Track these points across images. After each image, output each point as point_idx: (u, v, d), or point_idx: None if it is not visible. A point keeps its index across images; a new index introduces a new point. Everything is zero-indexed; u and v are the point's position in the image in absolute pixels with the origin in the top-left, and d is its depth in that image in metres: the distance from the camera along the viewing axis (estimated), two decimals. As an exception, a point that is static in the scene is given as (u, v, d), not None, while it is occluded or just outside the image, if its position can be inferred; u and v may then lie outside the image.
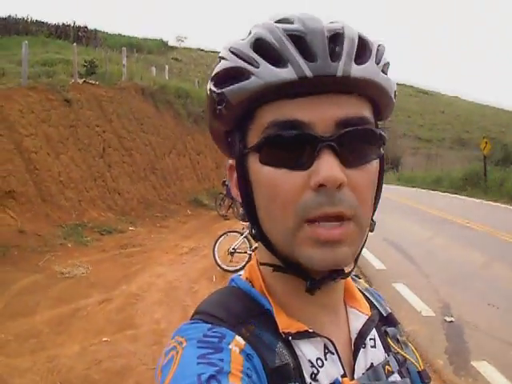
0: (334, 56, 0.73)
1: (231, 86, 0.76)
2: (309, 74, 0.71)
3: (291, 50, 0.73)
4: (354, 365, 0.84)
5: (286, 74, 0.72)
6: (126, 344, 5.82)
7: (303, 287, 0.80)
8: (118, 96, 17.22)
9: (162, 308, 7.24)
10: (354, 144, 0.75)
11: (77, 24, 36.83)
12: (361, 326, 0.88)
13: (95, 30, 39.70)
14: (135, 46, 41.55)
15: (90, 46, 31.19)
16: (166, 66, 27.82)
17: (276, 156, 0.75)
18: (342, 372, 0.81)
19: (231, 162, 0.86)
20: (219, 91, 0.78)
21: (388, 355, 0.90)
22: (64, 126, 14.07)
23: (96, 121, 15.52)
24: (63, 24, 36.49)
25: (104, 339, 6.00)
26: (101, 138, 15.48)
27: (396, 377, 0.88)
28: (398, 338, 0.95)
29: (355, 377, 0.83)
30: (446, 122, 71.25)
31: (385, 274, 8.82)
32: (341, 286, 0.88)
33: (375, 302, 0.98)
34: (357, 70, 0.73)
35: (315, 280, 0.79)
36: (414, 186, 32.41)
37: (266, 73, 0.73)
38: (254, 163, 0.78)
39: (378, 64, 0.78)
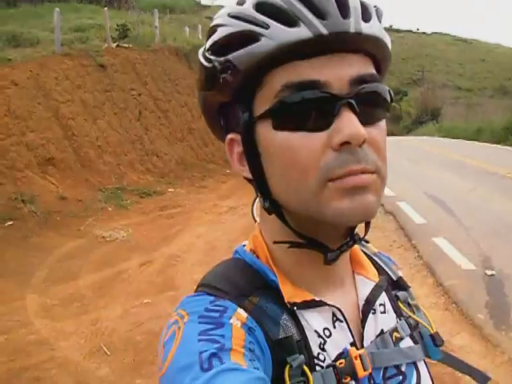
0: (344, 13, 0.71)
1: (238, 51, 0.73)
2: (324, 31, 0.70)
3: (301, 8, 0.71)
4: (363, 332, 0.83)
5: (301, 32, 0.70)
6: (166, 305, 5.90)
7: (318, 259, 0.80)
8: (152, 58, 17.18)
9: (201, 268, 7.29)
10: (369, 101, 0.74)
11: (108, -13, 36.78)
12: (368, 293, 0.87)
13: (127, -7, 39.55)
14: (168, 6, 41.18)
15: (122, 9, 31.09)
16: (199, 26, 27.57)
17: (292, 119, 0.73)
18: (351, 340, 0.81)
19: (231, 136, 0.82)
20: (223, 59, 0.75)
21: (400, 319, 0.90)
22: (99, 91, 14.16)
23: (131, 84, 15.55)
24: (95, -12, 36.47)
25: (145, 301, 6.10)
26: (136, 101, 15.53)
27: (407, 342, 0.88)
28: (410, 301, 0.95)
29: (365, 344, 0.83)
30: (487, 71, 69.26)
31: (425, 229, 8.66)
32: (346, 254, 0.87)
33: (384, 267, 0.98)
34: (366, 27, 0.73)
35: (333, 250, 0.79)
36: (454, 137, 31.76)
37: (278, 33, 0.71)
38: (266, 131, 0.75)
39: (380, 21, 0.77)
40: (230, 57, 0.74)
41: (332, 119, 0.71)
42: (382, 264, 0.98)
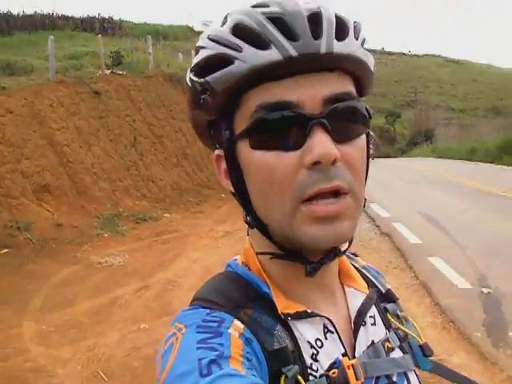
0: (316, 34, 0.73)
1: (215, 74, 0.76)
2: (293, 53, 0.71)
3: (273, 31, 0.73)
4: (355, 343, 0.85)
5: (271, 55, 0.72)
6: (163, 330, 5.83)
7: (301, 271, 0.81)
8: (146, 84, 17.28)
9: (198, 293, 7.28)
10: (343, 119, 0.75)
11: (102, 16, 37.17)
12: (359, 305, 0.88)
13: (120, 21, 39.92)
14: (161, 33, 41.57)
15: (116, 36, 31.33)
16: (193, 52, 27.65)
17: (266, 139, 0.75)
18: (342, 350, 0.82)
19: (217, 152, 0.85)
20: (202, 80, 0.78)
21: (389, 331, 0.91)
22: (94, 118, 14.21)
23: (125, 110, 15.61)
24: (88, 16, 36.86)
25: (142, 326, 6.07)
26: (131, 127, 15.58)
27: (397, 352, 0.89)
28: (398, 313, 0.96)
29: (356, 355, 0.83)
30: (479, 91, 69.69)
31: (420, 248, 8.68)
32: (335, 265, 0.88)
33: (373, 279, 0.99)
34: (339, 46, 0.74)
35: (314, 263, 0.80)
36: (448, 158, 31.88)
37: (250, 56, 0.73)
38: (244, 149, 0.78)
39: (356, 39, 0.78)
40: (208, 78, 0.77)
41: (304, 139, 0.73)
42: (370, 277, 0.99)
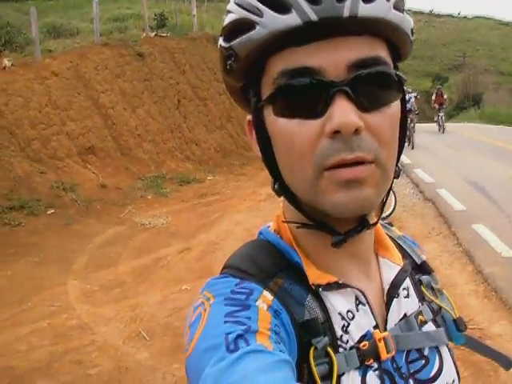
0: None
1: (238, 39, 0.74)
2: (313, 17, 0.67)
3: None
4: (387, 316, 0.83)
5: (290, 20, 0.68)
6: (205, 291, 5.92)
7: (330, 241, 0.79)
8: (190, 46, 17.23)
9: (240, 255, 7.31)
10: (370, 86, 0.71)
11: (146, -23, 36.99)
12: (393, 277, 0.86)
13: (165, -18, 39.72)
14: (206, -6, 41.30)
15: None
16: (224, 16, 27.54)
17: (289, 106, 0.72)
18: (373, 323, 0.81)
19: (248, 117, 0.84)
20: (227, 45, 0.76)
21: (422, 304, 0.89)
22: (138, 80, 14.28)
23: (169, 73, 15.63)
24: (133, -22, 36.73)
25: (184, 287, 6.15)
26: (175, 89, 15.62)
27: (430, 326, 0.88)
28: (433, 286, 0.94)
29: (388, 328, 0.82)
30: (531, 55, 67.52)
31: (464, 215, 8.47)
32: (370, 236, 0.86)
33: (409, 250, 0.97)
34: (365, 9, 0.68)
35: (340, 234, 0.78)
36: (497, 123, 31.00)
37: (270, 21, 0.70)
38: (270, 116, 0.75)
39: (388, 1, 0.71)
40: (232, 44, 0.75)
41: (327, 107, 0.69)
42: (405, 247, 0.97)
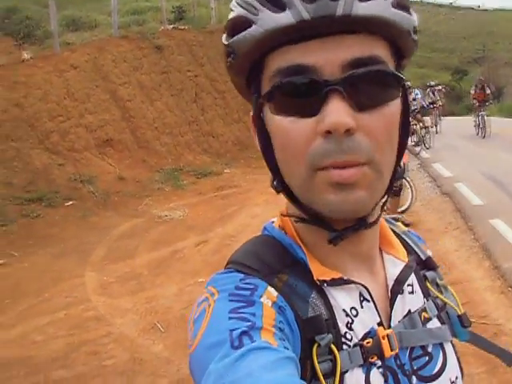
0: None
1: (236, 37, 0.74)
2: (306, 16, 0.67)
3: None
4: (391, 312, 0.83)
5: (285, 18, 0.68)
6: (221, 284, 5.94)
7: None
8: (208, 39, 17.21)
9: (256, 248, 7.31)
10: (365, 85, 0.70)
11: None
12: (398, 273, 0.86)
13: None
14: (224, -13, 41.26)
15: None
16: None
17: (284, 104, 0.72)
18: (378, 320, 0.80)
19: (251, 113, 0.83)
20: (227, 43, 0.77)
21: (427, 300, 0.89)
22: (156, 73, 14.32)
23: (187, 66, 15.65)
24: (152, -29, 36.75)
25: (200, 280, 6.15)
26: (193, 82, 15.63)
27: (434, 323, 0.87)
28: (438, 282, 0.93)
29: (392, 324, 0.82)
30: (553, 48, 66.64)
31: (482, 210, 8.35)
32: (374, 232, 0.85)
33: (413, 246, 0.96)
34: (360, 8, 0.67)
35: (337, 231, 0.77)
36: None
37: (265, 19, 0.70)
38: (268, 114, 0.76)
39: None
40: (231, 41, 0.76)
41: (321, 105, 0.69)
42: (410, 243, 0.96)
